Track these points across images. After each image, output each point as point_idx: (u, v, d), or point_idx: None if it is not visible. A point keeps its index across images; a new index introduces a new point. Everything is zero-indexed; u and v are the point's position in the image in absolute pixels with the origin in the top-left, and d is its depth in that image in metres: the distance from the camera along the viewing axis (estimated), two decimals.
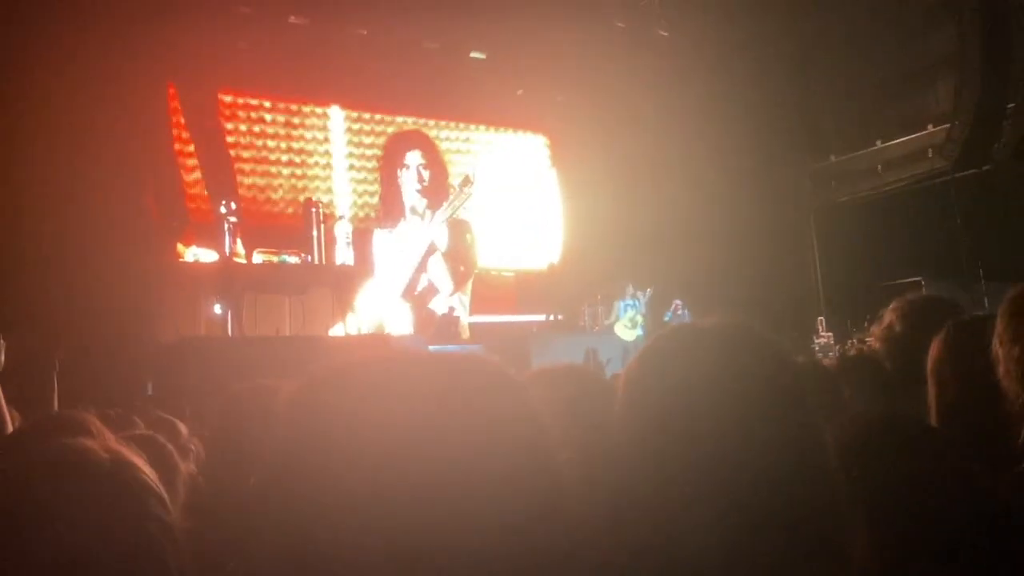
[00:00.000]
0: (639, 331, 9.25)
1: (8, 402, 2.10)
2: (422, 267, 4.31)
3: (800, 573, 0.89)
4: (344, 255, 7.21)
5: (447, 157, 7.58)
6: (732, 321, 1.02)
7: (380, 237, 4.51)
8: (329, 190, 8.70)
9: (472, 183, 4.31)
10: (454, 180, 4.46)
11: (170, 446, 1.49)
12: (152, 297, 6.99)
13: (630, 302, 9.44)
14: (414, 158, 4.44)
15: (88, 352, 5.30)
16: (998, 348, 1.40)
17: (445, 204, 4.27)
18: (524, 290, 9.90)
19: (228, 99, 8.88)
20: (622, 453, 0.98)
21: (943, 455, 1.52)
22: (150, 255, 7.43)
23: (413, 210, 4.41)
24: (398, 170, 4.46)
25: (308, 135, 9.21)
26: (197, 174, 8.55)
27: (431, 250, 4.30)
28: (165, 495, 0.94)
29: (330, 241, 7.31)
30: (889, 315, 2.20)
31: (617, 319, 9.44)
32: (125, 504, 0.88)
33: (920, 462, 1.27)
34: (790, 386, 0.98)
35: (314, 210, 7.44)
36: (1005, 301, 1.41)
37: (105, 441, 0.96)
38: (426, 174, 4.37)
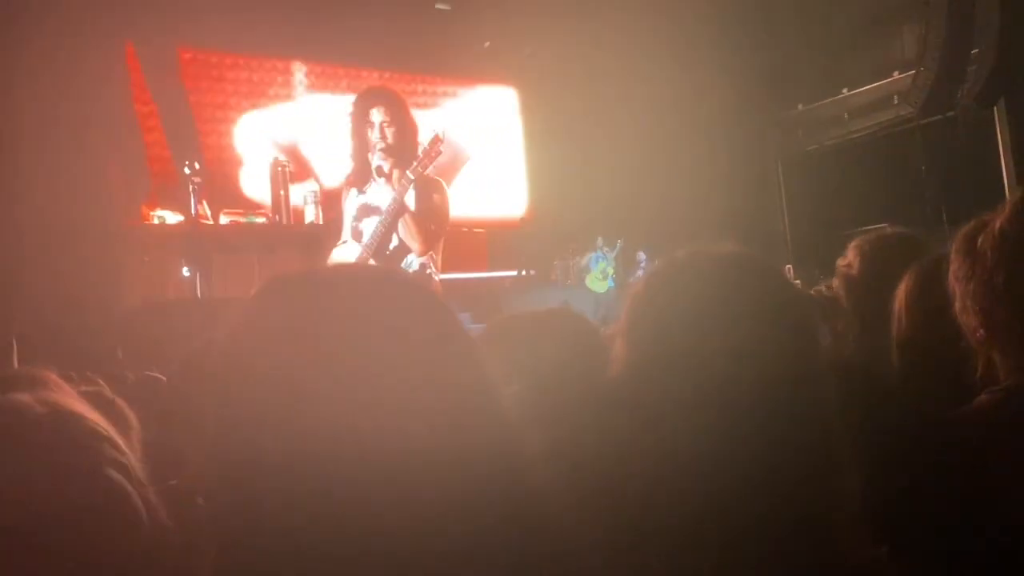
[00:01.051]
0: (610, 283, 9.32)
1: None
2: (392, 227, 4.27)
3: (798, 505, 0.90)
4: (311, 214, 7.14)
5: (414, 112, 7.49)
6: (735, 248, 1.02)
7: (351, 197, 4.46)
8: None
9: (442, 141, 4.25)
10: (423, 137, 4.39)
11: (119, 400, 1.47)
12: (118, 261, 6.89)
13: (600, 255, 9.48)
14: (378, 115, 4.35)
15: (54, 319, 5.23)
16: (953, 284, 1.42)
17: (415, 163, 4.20)
18: (495, 246, 9.89)
19: (188, 56, 8.67)
20: (626, 376, 0.97)
21: (905, 398, 1.55)
22: (114, 218, 7.30)
23: (379, 170, 4.34)
24: (365, 128, 4.38)
25: (271, 91, 9.05)
26: (159, 135, 8.38)
27: (400, 210, 4.25)
28: (119, 440, 0.92)
29: (295, 201, 7.23)
30: (851, 253, 2.22)
31: (589, 271, 9.50)
32: (73, 453, 0.86)
33: (873, 412, 1.30)
34: (797, 311, 0.99)
35: (279, 169, 7.34)
36: (957, 238, 1.43)
37: (46, 395, 0.93)
38: (389, 132, 4.29)
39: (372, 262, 4.27)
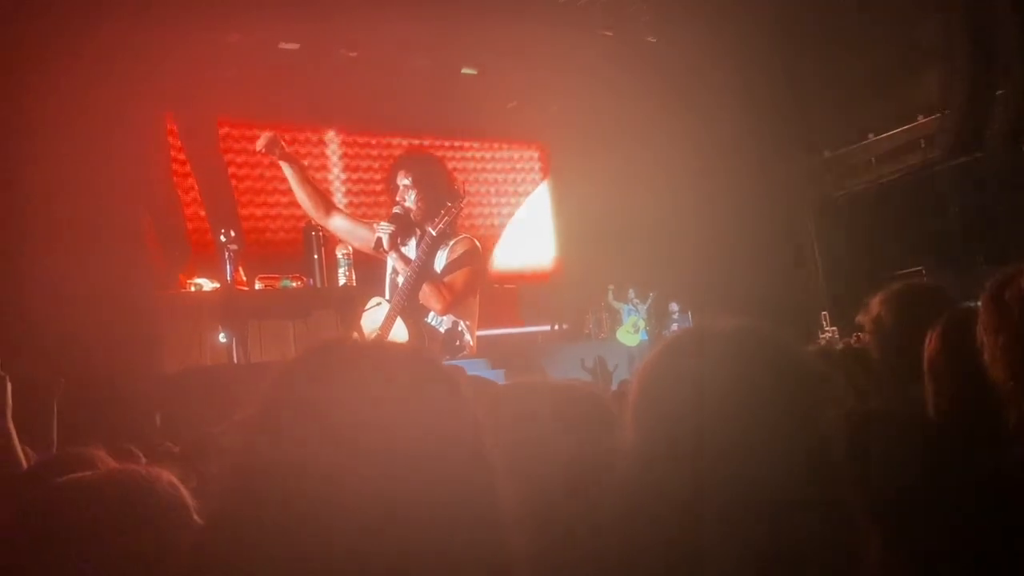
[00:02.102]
0: (642, 336, 9.28)
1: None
2: (416, 287, 4.33)
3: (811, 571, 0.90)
4: (345, 277, 7.23)
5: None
6: (743, 323, 1.03)
7: (390, 257, 4.57)
8: None
9: (462, 197, 4.32)
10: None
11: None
12: (156, 328, 7.01)
13: (631, 308, 9.47)
14: (402, 179, 4.46)
15: (92, 385, 5.31)
16: (983, 336, 1.41)
17: (436, 220, 4.28)
18: (527, 301, 9.92)
19: (225, 127, 8.94)
20: (636, 455, 0.99)
21: (945, 448, 1.53)
22: (153, 286, 7.46)
23: (406, 232, 4.43)
24: (394, 193, 4.49)
25: (305, 161, 9.27)
26: (197, 204, 8.60)
27: (422, 270, 4.31)
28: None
29: (331, 264, 7.33)
30: (877, 306, 2.20)
31: (620, 325, 9.47)
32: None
33: (923, 456, 1.28)
34: (800, 393, 0.99)
35: (314, 234, 7.47)
36: (987, 289, 1.43)
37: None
38: (411, 195, 4.38)
39: (400, 320, 4.32)
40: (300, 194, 4.70)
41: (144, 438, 3.57)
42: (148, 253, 7.78)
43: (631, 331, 9.39)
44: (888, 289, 2.23)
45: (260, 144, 4.52)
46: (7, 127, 6.75)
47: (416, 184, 4.39)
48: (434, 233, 4.25)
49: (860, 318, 2.23)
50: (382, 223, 4.42)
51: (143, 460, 1.68)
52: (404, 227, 4.45)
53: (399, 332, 4.22)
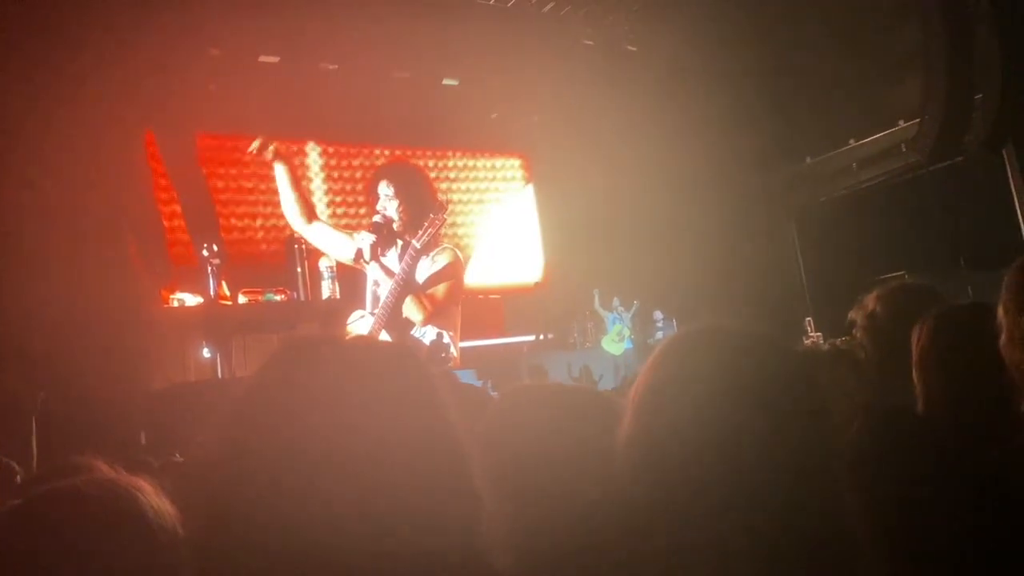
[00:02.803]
0: (627, 344, 9.29)
1: None
2: (400, 298, 4.32)
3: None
4: (329, 290, 7.20)
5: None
6: (745, 325, 1.02)
7: (370, 268, 4.54)
8: None
9: (445, 208, 4.32)
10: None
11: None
12: (139, 344, 6.94)
13: (616, 316, 9.48)
14: (384, 189, 4.45)
15: (76, 402, 5.25)
16: (1003, 316, 1.41)
17: (420, 232, 4.27)
18: (512, 311, 9.91)
19: (205, 141, 8.89)
20: (639, 458, 0.97)
21: (942, 444, 1.53)
22: (135, 302, 7.39)
23: (386, 242, 4.41)
24: (374, 203, 4.48)
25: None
26: (178, 219, 8.54)
27: (406, 282, 4.30)
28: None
29: (315, 277, 7.29)
30: (872, 302, 2.21)
31: (604, 333, 9.48)
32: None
33: (921, 453, 1.28)
34: (806, 391, 0.98)
35: (296, 247, 7.43)
36: (1012, 270, 1.43)
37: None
38: (392, 205, 4.37)
39: (384, 332, 4.31)
40: (288, 197, 4.68)
41: (129, 454, 3.52)
42: (130, 269, 7.71)
43: (615, 339, 9.40)
44: (884, 286, 2.24)
45: (253, 146, 4.51)
46: None
47: (399, 194, 4.38)
48: (418, 245, 4.25)
49: (853, 314, 2.24)
50: (362, 232, 4.41)
51: (155, 464, 1.66)
52: (385, 237, 4.43)
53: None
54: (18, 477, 2.16)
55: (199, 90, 8.27)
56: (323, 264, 7.52)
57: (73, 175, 7.04)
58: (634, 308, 9.53)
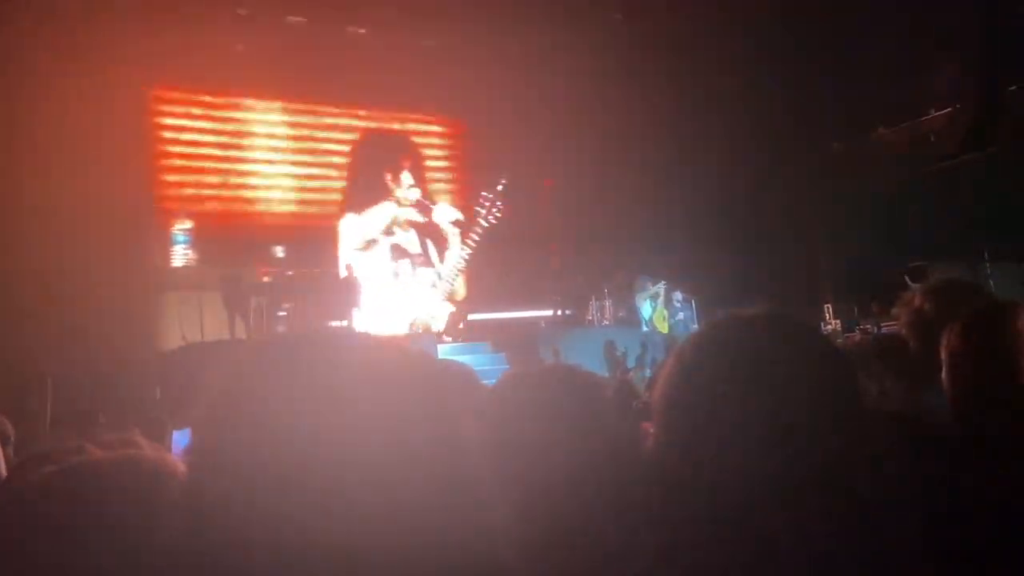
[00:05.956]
0: (668, 323, 9.61)
1: (4, 413, 2.10)
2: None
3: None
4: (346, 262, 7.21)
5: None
6: (780, 312, 1.01)
7: (380, 241, 4.53)
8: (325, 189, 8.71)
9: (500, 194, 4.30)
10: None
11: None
12: (155, 304, 6.99)
13: (652, 299, 9.67)
14: (406, 164, 4.44)
15: (91, 362, 5.31)
16: None
17: (485, 212, 4.25)
18: (531, 286, 9.88)
19: (208, 99, 8.85)
20: (676, 461, 0.96)
21: (960, 459, 1.50)
22: (151, 262, 7.43)
23: (417, 211, 4.40)
24: (386, 175, 4.46)
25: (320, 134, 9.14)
26: (193, 178, 8.53)
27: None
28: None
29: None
30: (918, 298, 2.17)
31: (653, 311, 9.70)
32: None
33: (937, 467, 1.26)
34: (843, 377, 0.97)
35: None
36: None
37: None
38: (412, 185, 4.36)
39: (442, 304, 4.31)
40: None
41: (144, 411, 3.55)
42: (146, 230, 7.74)
43: (662, 319, 9.59)
44: (929, 283, 2.21)
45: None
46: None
47: (414, 173, 4.35)
48: (485, 224, 4.24)
49: (897, 310, 2.20)
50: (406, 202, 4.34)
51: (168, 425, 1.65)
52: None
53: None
54: (11, 437, 2.17)
55: (217, 48, 8.23)
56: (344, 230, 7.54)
57: (82, 135, 7.08)
58: (662, 290, 9.68)
